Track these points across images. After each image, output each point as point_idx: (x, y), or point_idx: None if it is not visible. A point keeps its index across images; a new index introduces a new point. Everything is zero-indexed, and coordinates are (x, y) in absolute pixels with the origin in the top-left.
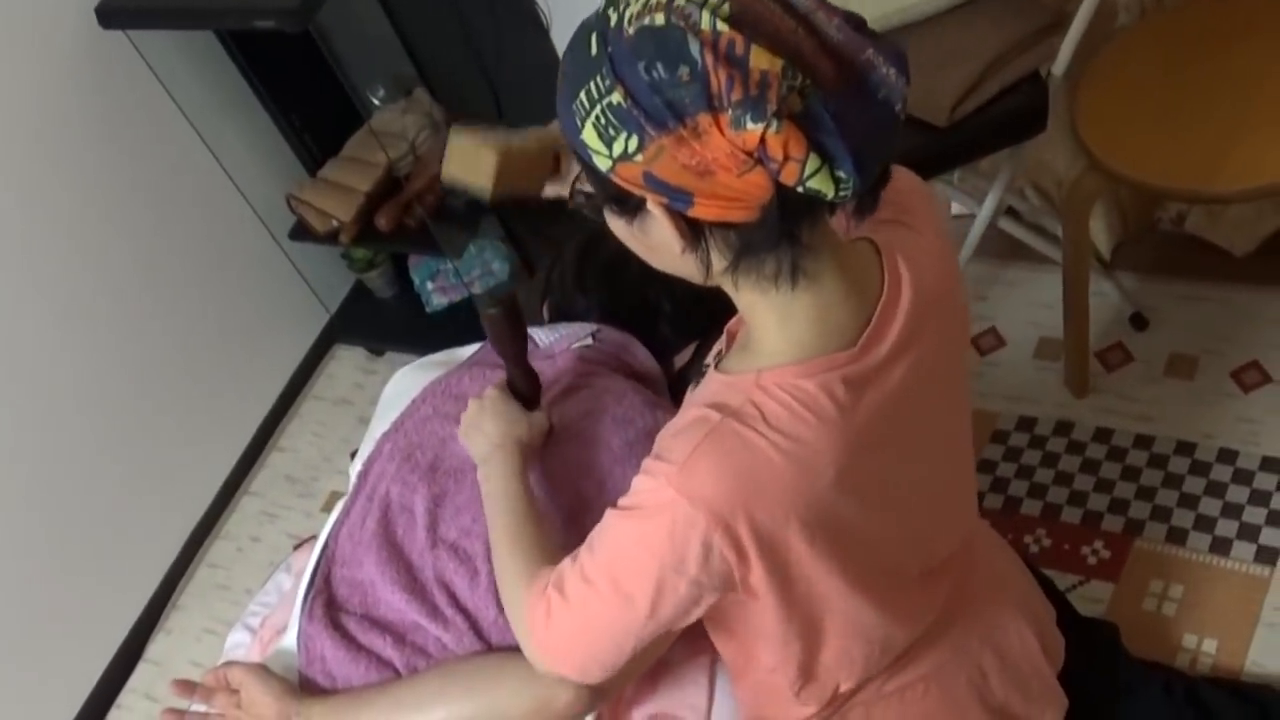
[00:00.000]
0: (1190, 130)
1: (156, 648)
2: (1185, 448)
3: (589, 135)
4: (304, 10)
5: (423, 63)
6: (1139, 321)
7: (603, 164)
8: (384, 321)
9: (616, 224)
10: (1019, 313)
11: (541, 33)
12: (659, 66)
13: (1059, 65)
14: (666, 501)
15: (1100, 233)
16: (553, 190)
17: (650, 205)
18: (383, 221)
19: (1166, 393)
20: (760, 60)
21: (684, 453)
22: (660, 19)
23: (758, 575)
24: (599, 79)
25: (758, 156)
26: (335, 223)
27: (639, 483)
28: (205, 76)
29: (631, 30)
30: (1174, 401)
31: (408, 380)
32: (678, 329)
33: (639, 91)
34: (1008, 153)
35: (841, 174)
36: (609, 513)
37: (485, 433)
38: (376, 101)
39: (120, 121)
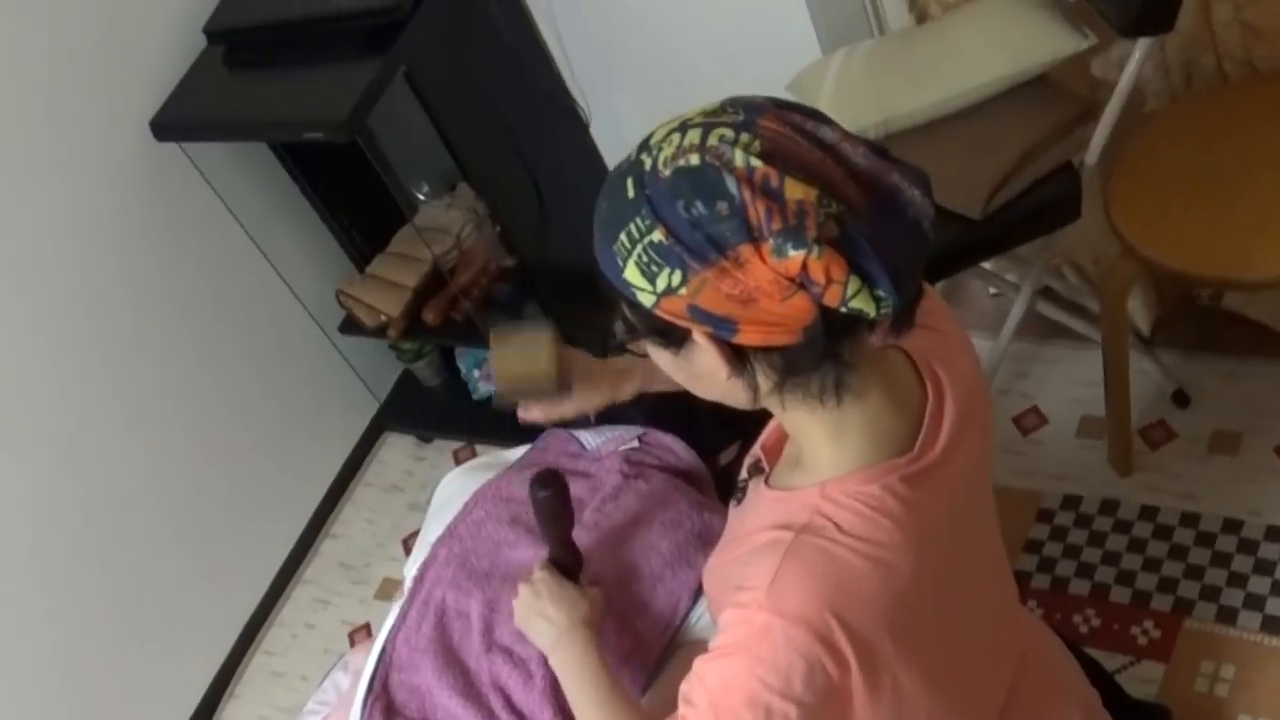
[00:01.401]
0: (1223, 215)
1: None
2: (1232, 525)
3: (631, 274)
4: (350, 122)
5: (464, 159)
6: (1181, 398)
7: (647, 300)
8: (432, 409)
9: (661, 356)
10: (1060, 391)
11: (580, 128)
12: (698, 204)
13: (1091, 154)
14: (761, 627)
15: (1138, 310)
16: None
17: (695, 335)
18: (430, 316)
19: (1211, 470)
20: (795, 191)
21: (767, 575)
22: (695, 159)
23: (856, 683)
24: (639, 219)
25: (800, 282)
26: (383, 317)
27: (727, 619)
28: (256, 181)
29: (667, 172)
30: (1219, 478)
31: (457, 484)
32: (721, 429)
33: (679, 229)
34: (1042, 239)
35: (881, 293)
36: (699, 661)
37: (550, 619)
38: (421, 198)
39: (176, 227)
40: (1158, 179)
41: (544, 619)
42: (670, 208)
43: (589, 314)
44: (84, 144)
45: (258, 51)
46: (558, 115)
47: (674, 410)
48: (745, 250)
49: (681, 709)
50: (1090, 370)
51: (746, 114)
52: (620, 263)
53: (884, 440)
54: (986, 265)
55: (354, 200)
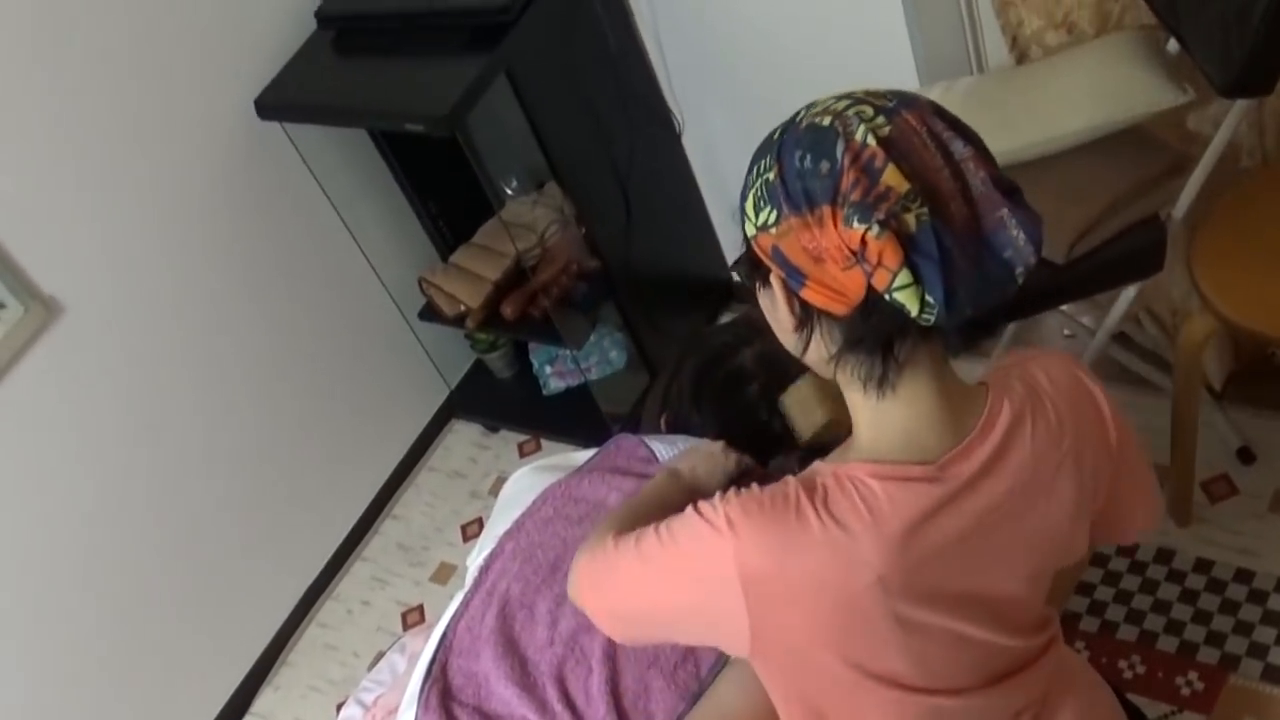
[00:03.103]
0: None
1: (263, 702)
2: None
3: (748, 202)
4: (452, 117)
5: (556, 159)
6: (1246, 455)
7: (749, 229)
8: (501, 400)
9: (760, 293)
10: None
11: (673, 136)
12: (809, 157)
13: (1179, 209)
14: (721, 529)
15: (1212, 363)
16: None
17: (773, 278)
18: (508, 310)
19: (1270, 528)
20: (891, 178)
21: (749, 497)
22: (827, 121)
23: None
24: (768, 157)
25: (858, 255)
26: (463, 308)
27: (712, 503)
28: (351, 165)
29: (803, 125)
30: (1277, 538)
31: (526, 481)
32: (789, 449)
33: (788, 174)
34: (1123, 288)
35: (930, 299)
36: (688, 510)
37: (691, 466)
38: (509, 192)
39: (270, 203)
40: (1244, 238)
41: (689, 461)
42: (790, 154)
43: (664, 321)
44: (189, 116)
45: (366, 39)
46: (652, 123)
47: (751, 430)
48: (826, 210)
49: (610, 540)
50: (1157, 418)
51: (898, 103)
52: (746, 190)
53: (913, 449)
54: (1064, 307)
55: (443, 190)
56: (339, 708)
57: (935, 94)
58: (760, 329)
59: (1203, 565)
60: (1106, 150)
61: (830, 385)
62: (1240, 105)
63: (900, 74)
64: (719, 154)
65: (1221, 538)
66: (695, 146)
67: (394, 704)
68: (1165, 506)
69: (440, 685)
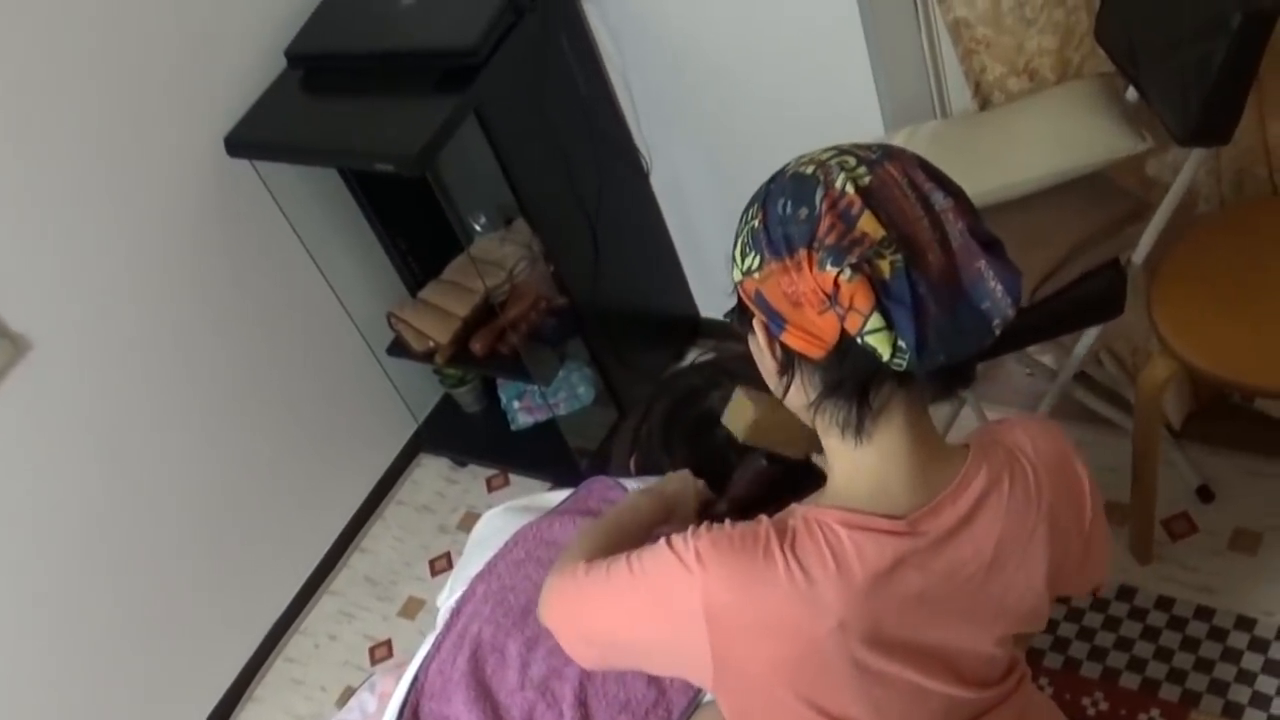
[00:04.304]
0: (1262, 324)
1: None
2: (1245, 623)
3: (736, 249)
4: (422, 157)
5: (525, 197)
6: (1205, 494)
7: (736, 275)
8: (470, 435)
9: (747, 335)
10: None
11: (641, 175)
12: (790, 204)
13: (1139, 253)
14: (690, 564)
15: (1171, 403)
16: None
17: (755, 323)
18: (477, 346)
19: (1229, 566)
20: (867, 224)
21: (721, 533)
22: (810, 169)
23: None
24: (755, 205)
25: (831, 298)
26: (432, 344)
27: (684, 537)
28: (320, 201)
29: (789, 174)
30: (1237, 575)
31: (498, 522)
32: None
33: (771, 221)
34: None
35: (902, 344)
36: (660, 542)
37: (662, 488)
38: (478, 229)
39: (237, 239)
40: (1202, 282)
41: (663, 484)
42: (774, 202)
43: (632, 357)
44: (159, 153)
45: (336, 78)
46: (620, 162)
47: (720, 474)
48: (802, 254)
49: (582, 566)
50: (1117, 456)
51: (881, 155)
52: (735, 237)
53: (883, 499)
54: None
55: (412, 226)
56: None
57: (900, 138)
58: (729, 371)
59: (1164, 603)
60: (1068, 195)
61: (765, 395)
62: (1198, 153)
63: (865, 118)
64: (686, 193)
65: (1182, 575)
66: (663, 186)
67: None
68: (1113, 558)
69: None
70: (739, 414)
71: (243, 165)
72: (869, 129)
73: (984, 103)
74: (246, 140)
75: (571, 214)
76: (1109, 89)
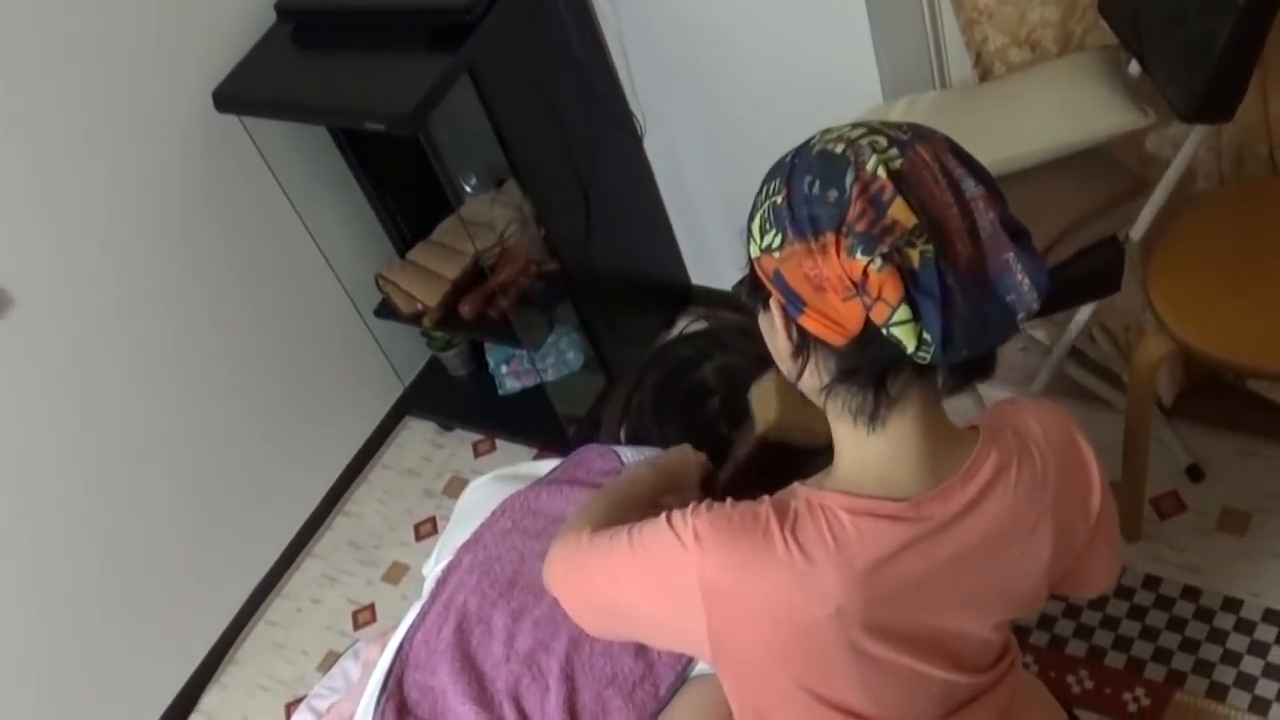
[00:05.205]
0: (1258, 303)
1: (210, 700)
2: (1232, 604)
3: (755, 223)
4: (414, 117)
5: (517, 159)
6: (1195, 473)
7: (753, 250)
8: (456, 399)
9: (756, 310)
10: None
11: (635, 139)
12: (818, 184)
13: (1137, 230)
14: (687, 543)
15: (1164, 381)
16: None
17: (772, 303)
18: (466, 310)
19: (1217, 546)
20: (899, 212)
21: (720, 513)
22: (839, 148)
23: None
24: (777, 179)
25: (859, 287)
26: (420, 306)
27: (683, 514)
28: (308, 159)
29: (816, 150)
30: (1224, 556)
31: (485, 491)
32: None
33: (796, 199)
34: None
35: (927, 337)
36: (661, 517)
37: (665, 461)
38: (469, 189)
39: (224, 195)
40: (1199, 260)
41: (666, 456)
42: (799, 179)
43: (622, 323)
44: (144, 106)
45: (326, 34)
46: (614, 125)
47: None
48: (829, 238)
49: (586, 535)
50: (1108, 433)
51: (912, 136)
52: (753, 210)
53: (890, 486)
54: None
55: (402, 186)
56: (287, 707)
57: (900, 107)
58: (721, 343)
59: (1151, 582)
60: (1067, 171)
61: (792, 387)
62: (1199, 129)
63: (864, 86)
64: (680, 158)
65: (1170, 555)
66: (656, 150)
67: (347, 713)
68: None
69: (396, 699)
70: (766, 405)
71: (230, 121)
72: (868, 97)
73: (984, 73)
74: (235, 95)
75: (564, 177)
76: (1111, 62)
